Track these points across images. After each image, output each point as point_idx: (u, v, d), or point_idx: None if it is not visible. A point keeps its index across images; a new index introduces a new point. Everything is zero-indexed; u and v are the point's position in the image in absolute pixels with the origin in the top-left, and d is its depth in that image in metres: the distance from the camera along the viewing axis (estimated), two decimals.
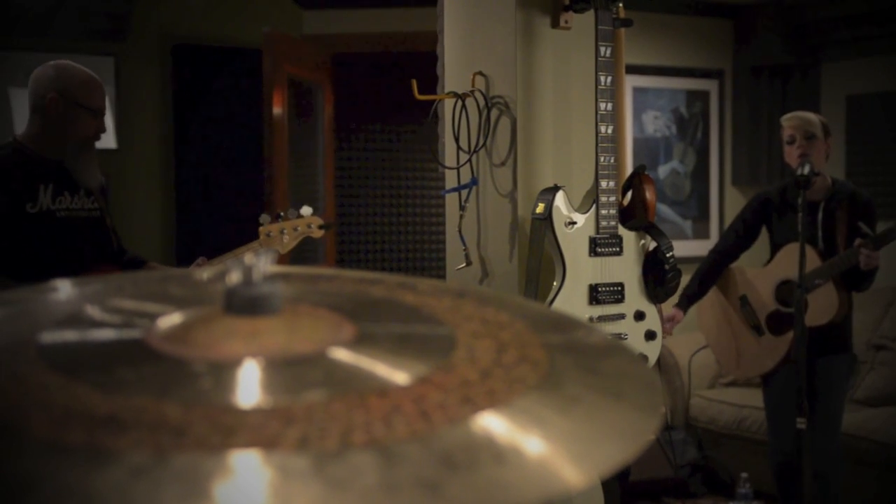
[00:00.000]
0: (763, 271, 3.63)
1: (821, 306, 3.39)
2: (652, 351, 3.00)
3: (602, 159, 2.90)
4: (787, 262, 3.45)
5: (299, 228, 2.96)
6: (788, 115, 3.55)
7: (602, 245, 2.92)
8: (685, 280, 3.06)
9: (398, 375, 0.66)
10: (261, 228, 2.94)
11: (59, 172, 2.78)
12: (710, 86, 5.57)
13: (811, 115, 3.50)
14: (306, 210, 2.99)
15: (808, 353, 3.43)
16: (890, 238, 3.28)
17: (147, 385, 0.63)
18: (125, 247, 3.03)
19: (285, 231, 2.94)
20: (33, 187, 2.71)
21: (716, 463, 4.73)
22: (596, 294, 2.91)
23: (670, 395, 4.94)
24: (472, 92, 3.15)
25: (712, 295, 3.81)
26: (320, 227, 3.00)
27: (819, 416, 3.43)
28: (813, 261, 3.38)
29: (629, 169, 3.15)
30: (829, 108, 5.33)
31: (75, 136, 2.77)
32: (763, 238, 3.73)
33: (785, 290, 3.55)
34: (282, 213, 2.97)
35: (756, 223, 3.69)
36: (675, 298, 3.06)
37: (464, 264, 3.20)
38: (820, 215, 3.45)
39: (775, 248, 3.62)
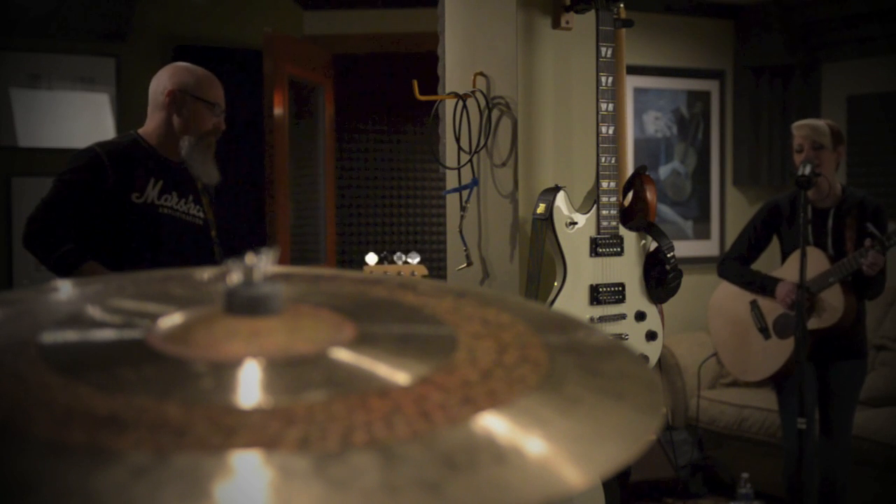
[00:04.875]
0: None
1: (826, 309, 3.39)
2: (653, 351, 3.00)
3: (603, 160, 2.90)
4: (797, 267, 3.46)
5: (403, 274, 2.81)
6: (799, 123, 3.54)
7: (603, 245, 2.92)
8: (687, 281, 3.05)
9: (399, 376, 0.66)
10: (365, 268, 2.84)
11: (172, 172, 2.82)
12: (710, 86, 5.57)
13: (821, 124, 3.48)
14: (414, 257, 2.89)
15: (821, 357, 3.44)
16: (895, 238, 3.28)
17: (148, 385, 0.63)
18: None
19: (388, 274, 2.76)
20: (144, 179, 2.75)
21: (716, 463, 4.73)
22: (597, 294, 2.91)
23: (671, 395, 4.93)
24: (472, 92, 3.15)
25: (725, 299, 3.83)
26: (423, 277, 2.82)
27: (832, 422, 3.44)
28: (823, 264, 3.39)
29: (630, 169, 3.15)
30: (829, 109, 5.33)
31: (194, 130, 2.82)
32: (775, 244, 3.74)
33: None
34: (388, 256, 2.88)
35: (766, 231, 3.70)
36: (676, 299, 3.06)
37: (464, 265, 3.20)
38: (830, 222, 3.46)
39: (786, 253, 3.63)
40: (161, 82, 2.88)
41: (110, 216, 2.72)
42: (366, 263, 2.85)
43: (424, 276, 2.84)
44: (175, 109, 2.83)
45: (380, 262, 2.87)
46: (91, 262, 2.63)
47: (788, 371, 3.51)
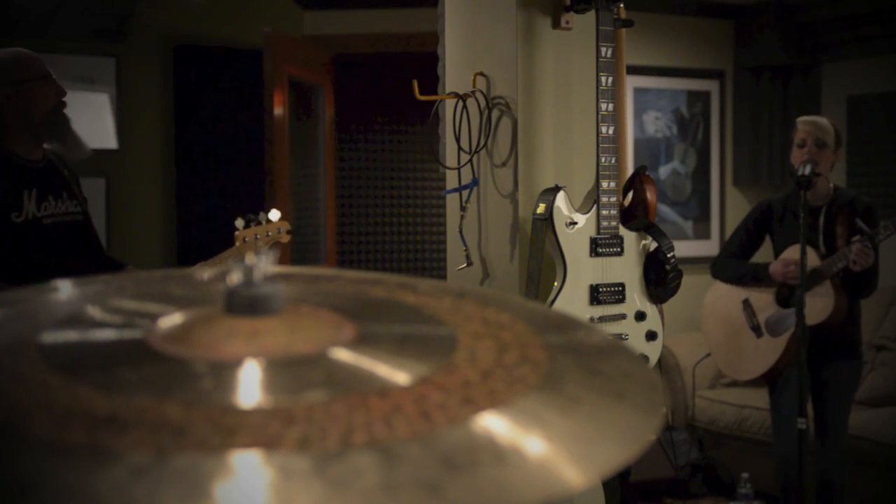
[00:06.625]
0: None
1: (816, 306, 3.39)
2: (653, 351, 3.00)
3: (603, 160, 2.90)
4: None
5: (271, 233, 2.91)
6: (805, 119, 3.54)
7: (603, 245, 2.92)
8: (687, 280, 3.05)
9: (399, 376, 0.66)
10: (237, 233, 2.86)
11: (39, 174, 2.64)
12: (710, 86, 5.57)
13: (826, 123, 3.49)
14: (275, 214, 2.94)
15: (815, 357, 3.44)
16: (885, 234, 3.28)
17: (148, 385, 0.63)
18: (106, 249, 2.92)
19: (259, 236, 2.89)
20: (17, 194, 2.55)
21: (716, 463, 4.73)
22: (597, 294, 2.91)
23: (671, 395, 4.93)
24: (472, 92, 3.15)
25: (717, 299, 3.84)
26: (287, 233, 2.96)
27: (826, 423, 3.44)
28: (813, 261, 3.40)
29: (630, 169, 3.15)
30: (829, 109, 5.33)
31: (39, 112, 2.62)
32: (767, 243, 3.74)
33: (785, 292, 3.57)
34: (253, 217, 2.92)
35: (759, 231, 3.71)
36: (675, 299, 3.05)
37: (464, 265, 3.20)
38: (821, 220, 3.47)
39: (778, 252, 3.63)
40: None
41: None
42: (236, 229, 2.88)
43: (289, 232, 2.98)
44: (9, 106, 2.58)
45: (247, 225, 2.89)
46: None
47: (781, 369, 3.52)
